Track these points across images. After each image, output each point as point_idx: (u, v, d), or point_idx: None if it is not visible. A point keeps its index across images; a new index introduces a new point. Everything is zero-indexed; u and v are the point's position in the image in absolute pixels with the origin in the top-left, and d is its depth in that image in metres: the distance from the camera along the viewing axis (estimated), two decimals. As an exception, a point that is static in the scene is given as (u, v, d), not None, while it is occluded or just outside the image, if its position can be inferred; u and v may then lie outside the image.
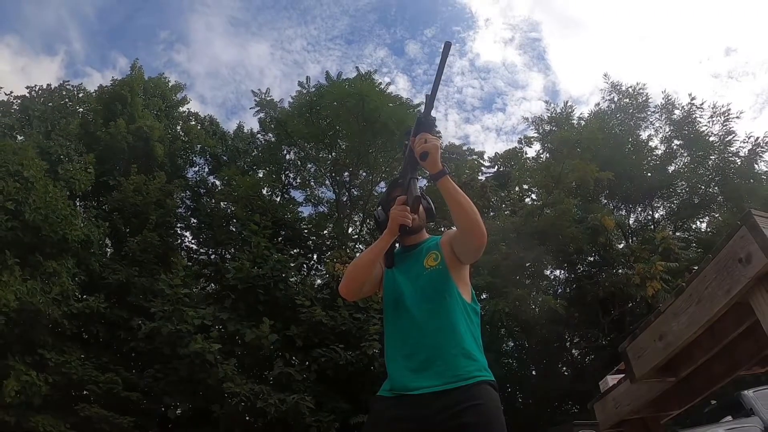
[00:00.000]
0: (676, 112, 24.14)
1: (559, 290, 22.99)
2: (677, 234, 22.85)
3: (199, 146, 25.57)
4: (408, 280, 2.90)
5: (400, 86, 63.75)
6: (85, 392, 15.12)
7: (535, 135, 25.49)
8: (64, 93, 22.82)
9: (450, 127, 50.73)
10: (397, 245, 3.09)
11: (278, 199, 23.77)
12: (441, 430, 2.48)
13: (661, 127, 24.61)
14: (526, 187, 24.84)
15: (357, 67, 22.40)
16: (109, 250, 19.80)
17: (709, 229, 23.73)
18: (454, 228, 2.86)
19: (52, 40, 46.64)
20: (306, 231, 22.86)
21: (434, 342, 2.68)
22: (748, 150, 22.88)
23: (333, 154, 23.74)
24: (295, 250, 21.71)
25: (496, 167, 25.49)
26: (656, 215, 25.11)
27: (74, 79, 41.24)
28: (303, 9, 51.94)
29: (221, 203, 21.96)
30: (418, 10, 57.01)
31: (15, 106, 20.19)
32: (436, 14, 57.09)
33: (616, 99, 24.78)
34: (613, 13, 61.43)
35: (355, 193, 24.17)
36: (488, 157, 26.13)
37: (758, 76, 48.10)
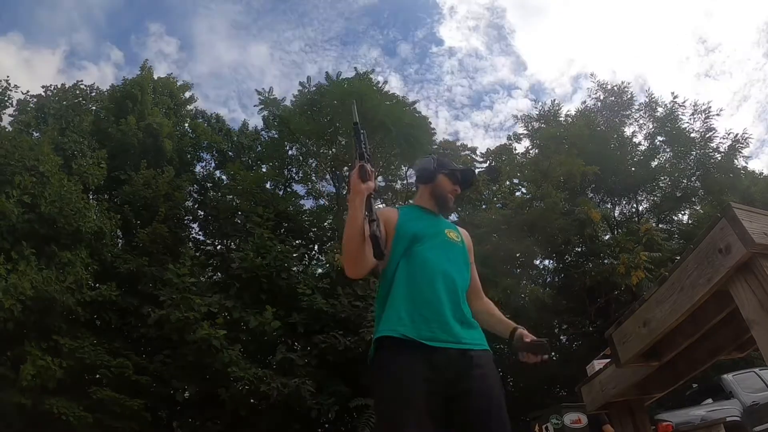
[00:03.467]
0: (659, 109, 24.22)
1: (548, 279, 23.03)
2: (660, 226, 22.94)
3: (205, 142, 25.56)
4: (435, 232, 2.78)
5: (393, 85, 63.86)
6: (97, 376, 15.10)
7: (524, 132, 25.54)
8: (77, 92, 22.74)
9: (441, 124, 50.82)
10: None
11: (281, 193, 23.72)
12: (460, 391, 2.30)
13: (644, 124, 24.76)
14: (516, 181, 24.86)
15: (355, 68, 22.36)
16: (120, 241, 19.78)
17: (690, 221, 23.81)
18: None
19: (58, 38, 46.58)
20: (307, 223, 22.81)
21: (464, 299, 2.64)
22: (728, 146, 23.00)
23: (333, 150, 23.69)
24: (297, 241, 21.67)
25: (488, 162, 25.47)
26: (640, 208, 25.17)
27: (73, 71, 41.47)
28: (301, 12, 51.96)
29: (227, 197, 21.93)
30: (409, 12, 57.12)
31: (31, 105, 20.14)
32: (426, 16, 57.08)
33: (602, 97, 24.83)
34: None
35: (354, 187, 24.10)
36: (480, 152, 26.13)
37: (735, 75, 48.31)
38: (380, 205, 24.91)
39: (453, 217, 23.06)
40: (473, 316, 2.70)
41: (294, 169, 25.26)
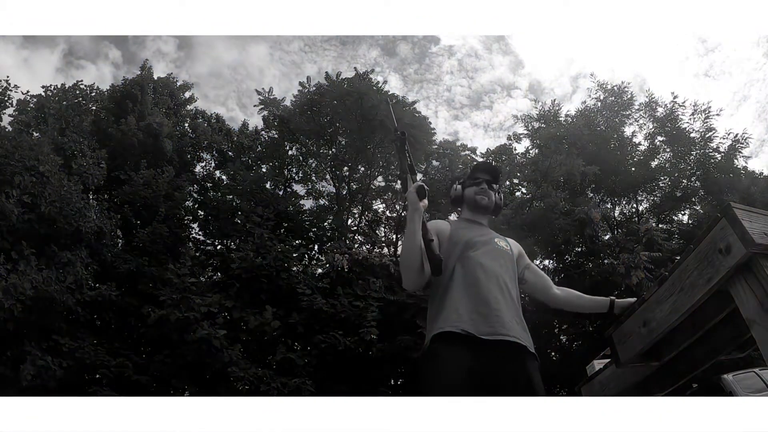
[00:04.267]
0: (659, 109, 24.20)
1: (548, 279, 22.99)
2: (660, 226, 22.87)
3: (205, 142, 25.53)
4: (486, 240, 2.91)
5: (393, 85, 63.79)
6: (97, 376, 15.13)
7: (524, 132, 25.54)
8: (77, 92, 22.76)
9: (441, 124, 50.78)
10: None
11: (281, 193, 23.72)
12: (509, 381, 2.42)
13: (644, 124, 24.70)
14: (516, 181, 24.83)
15: (355, 68, 22.37)
16: (120, 241, 19.78)
17: (690, 221, 23.76)
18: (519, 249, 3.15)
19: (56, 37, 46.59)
20: (307, 223, 22.84)
21: (517, 305, 2.73)
22: (728, 146, 22.98)
23: (333, 149, 23.71)
24: (297, 241, 21.67)
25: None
26: (640, 208, 25.13)
27: (71, 70, 41.49)
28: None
29: (227, 197, 21.95)
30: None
31: (31, 105, 20.12)
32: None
33: (601, 97, 24.81)
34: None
35: (354, 187, 24.11)
36: (480, 152, 26.10)
37: (735, 75, 48.34)
38: (380, 206, 25.04)
39: (453, 216, 23.06)
40: (562, 304, 3.14)
41: (294, 169, 25.24)
